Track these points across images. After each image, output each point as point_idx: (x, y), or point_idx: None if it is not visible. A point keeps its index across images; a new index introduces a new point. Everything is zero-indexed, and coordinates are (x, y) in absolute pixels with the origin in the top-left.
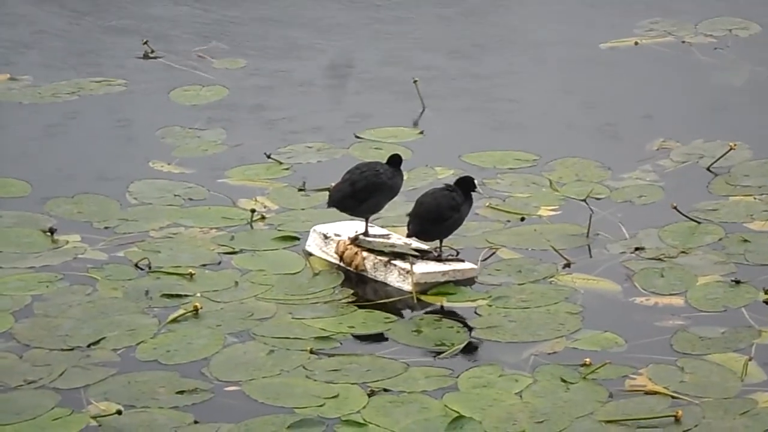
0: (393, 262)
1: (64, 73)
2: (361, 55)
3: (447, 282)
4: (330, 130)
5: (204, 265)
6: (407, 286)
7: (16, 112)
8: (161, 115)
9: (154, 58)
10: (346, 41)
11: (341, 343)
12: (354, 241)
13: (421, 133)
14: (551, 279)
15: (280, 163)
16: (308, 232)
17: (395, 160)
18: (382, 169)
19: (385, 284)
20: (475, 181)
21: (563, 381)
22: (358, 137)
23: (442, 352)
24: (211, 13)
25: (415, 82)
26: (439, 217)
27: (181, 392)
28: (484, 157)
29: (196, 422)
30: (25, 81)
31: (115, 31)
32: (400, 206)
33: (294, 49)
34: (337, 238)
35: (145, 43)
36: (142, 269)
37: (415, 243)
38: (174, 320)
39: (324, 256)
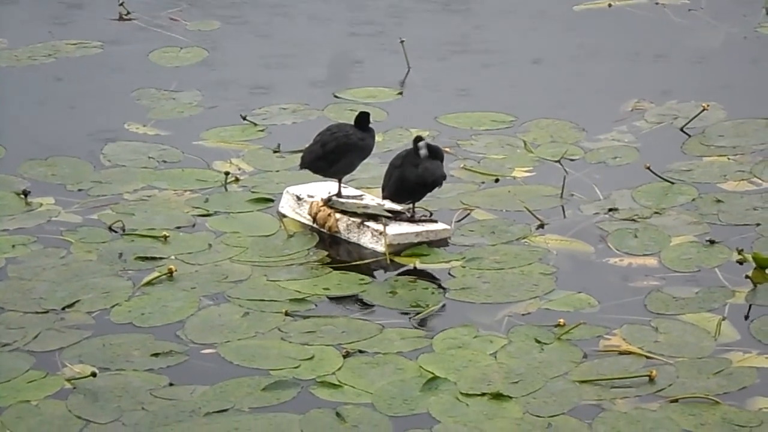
0: (366, 223)
1: (40, 36)
2: (338, 13)
3: (420, 243)
4: (307, 90)
5: (178, 228)
6: (381, 248)
7: None
8: (138, 77)
9: (129, 20)
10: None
11: (316, 305)
12: (327, 202)
13: (400, 93)
14: (525, 240)
15: (255, 125)
16: (282, 193)
17: (363, 119)
18: (352, 130)
19: (359, 245)
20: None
21: (537, 342)
22: (337, 97)
23: (418, 314)
24: None
25: (401, 42)
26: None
27: (156, 355)
28: (461, 119)
29: (171, 384)
30: (1, 44)
31: None
32: (374, 168)
33: (269, 9)
34: (310, 200)
35: (121, 4)
36: (116, 232)
37: (389, 204)
38: (148, 283)
39: (297, 218)
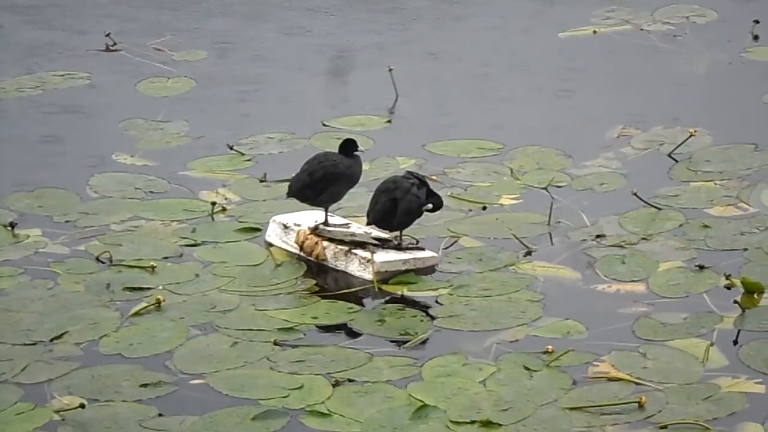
0: (353, 251)
1: (27, 68)
2: (328, 41)
3: (408, 271)
4: (295, 120)
5: (166, 258)
6: (368, 276)
7: None
8: (125, 107)
9: (116, 50)
10: (307, 29)
11: (305, 334)
12: (314, 230)
13: (389, 122)
14: (512, 267)
15: (242, 155)
16: (269, 222)
17: (348, 146)
18: (339, 159)
19: (347, 274)
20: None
21: (526, 369)
22: (325, 125)
23: (406, 342)
24: (162, 6)
25: (390, 70)
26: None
27: (144, 385)
28: (448, 146)
29: (160, 415)
30: None
31: (73, 25)
32: (361, 197)
33: (256, 36)
34: (297, 228)
35: (107, 35)
36: (103, 263)
37: (375, 232)
38: (136, 313)
39: (285, 247)
